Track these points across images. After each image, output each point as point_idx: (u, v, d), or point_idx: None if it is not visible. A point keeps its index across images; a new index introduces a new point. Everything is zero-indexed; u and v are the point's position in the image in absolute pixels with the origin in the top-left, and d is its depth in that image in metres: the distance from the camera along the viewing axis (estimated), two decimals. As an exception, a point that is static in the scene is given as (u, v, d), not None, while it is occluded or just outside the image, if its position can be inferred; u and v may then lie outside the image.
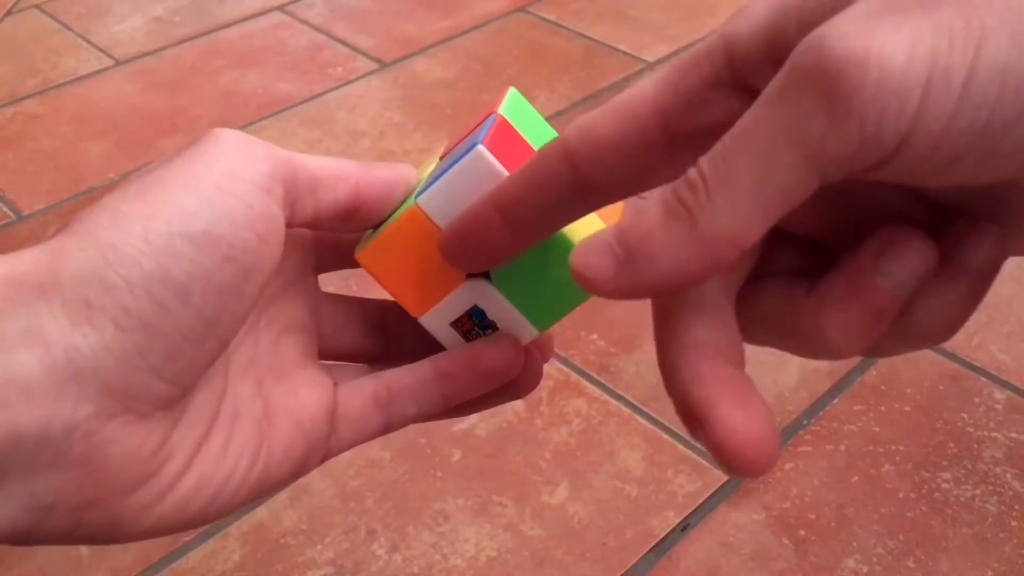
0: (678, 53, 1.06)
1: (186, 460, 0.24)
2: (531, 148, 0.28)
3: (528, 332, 0.28)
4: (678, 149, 0.20)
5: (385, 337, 0.31)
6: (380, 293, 0.31)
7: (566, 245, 0.26)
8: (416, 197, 0.27)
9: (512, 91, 0.30)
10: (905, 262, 0.19)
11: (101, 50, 1.11)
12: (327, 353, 0.30)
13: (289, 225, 0.25)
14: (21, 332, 0.21)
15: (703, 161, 0.18)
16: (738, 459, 0.19)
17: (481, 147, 0.25)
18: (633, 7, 1.15)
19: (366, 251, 0.28)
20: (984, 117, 0.16)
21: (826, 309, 0.19)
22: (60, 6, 1.20)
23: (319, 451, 0.28)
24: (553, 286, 0.27)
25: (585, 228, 0.27)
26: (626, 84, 1.01)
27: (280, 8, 1.18)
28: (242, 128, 0.98)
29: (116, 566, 0.59)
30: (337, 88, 1.03)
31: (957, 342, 0.71)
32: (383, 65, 1.07)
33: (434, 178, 0.27)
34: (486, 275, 0.27)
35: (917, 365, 0.69)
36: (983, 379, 0.68)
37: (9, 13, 1.19)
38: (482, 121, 0.28)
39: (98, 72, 1.08)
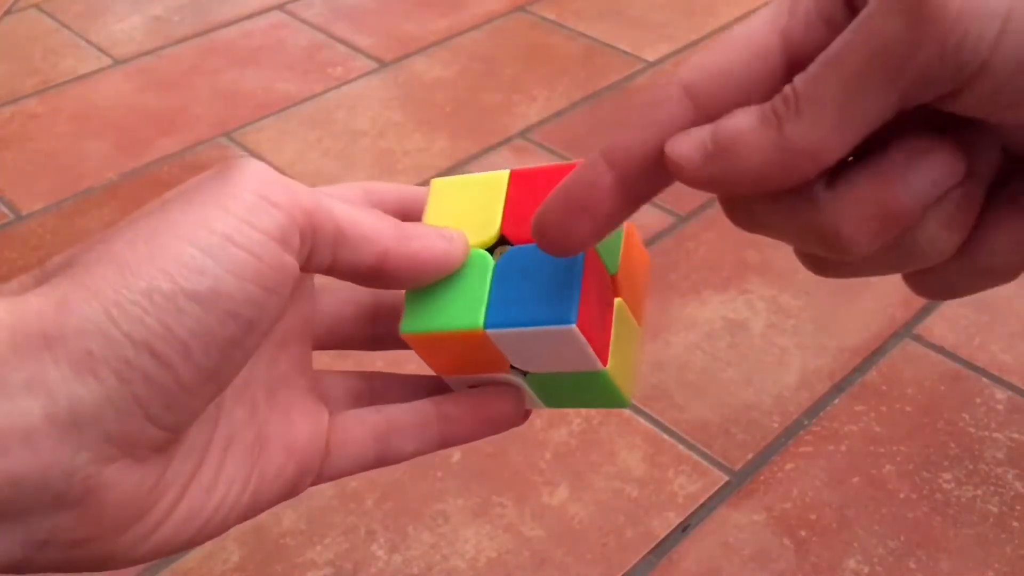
0: (679, 52, 1.06)
1: (179, 493, 0.24)
2: (608, 278, 0.27)
3: (538, 405, 0.29)
4: (796, 73, 0.20)
5: (375, 327, 0.31)
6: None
7: (610, 388, 0.27)
8: (485, 323, 0.26)
9: None
10: (929, 173, 0.19)
11: (100, 49, 1.11)
12: (318, 346, 0.30)
13: (303, 270, 0.25)
14: (25, 381, 0.21)
15: (798, 78, 0.19)
16: None
17: (574, 328, 0.24)
18: (633, 6, 1.15)
19: (416, 338, 0.27)
20: None
21: (845, 206, 0.20)
22: (59, 5, 1.20)
23: (310, 476, 0.28)
24: (578, 398, 0.28)
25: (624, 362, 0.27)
26: (626, 84, 1.01)
27: (279, 7, 1.18)
28: (241, 128, 0.97)
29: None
30: (337, 87, 1.03)
31: (958, 342, 0.71)
32: (383, 64, 1.06)
33: (508, 312, 0.25)
34: (523, 372, 0.28)
35: (918, 365, 0.69)
36: (984, 379, 0.68)
37: (8, 12, 1.19)
38: None
39: (97, 71, 1.07)
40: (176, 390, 0.22)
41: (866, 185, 0.19)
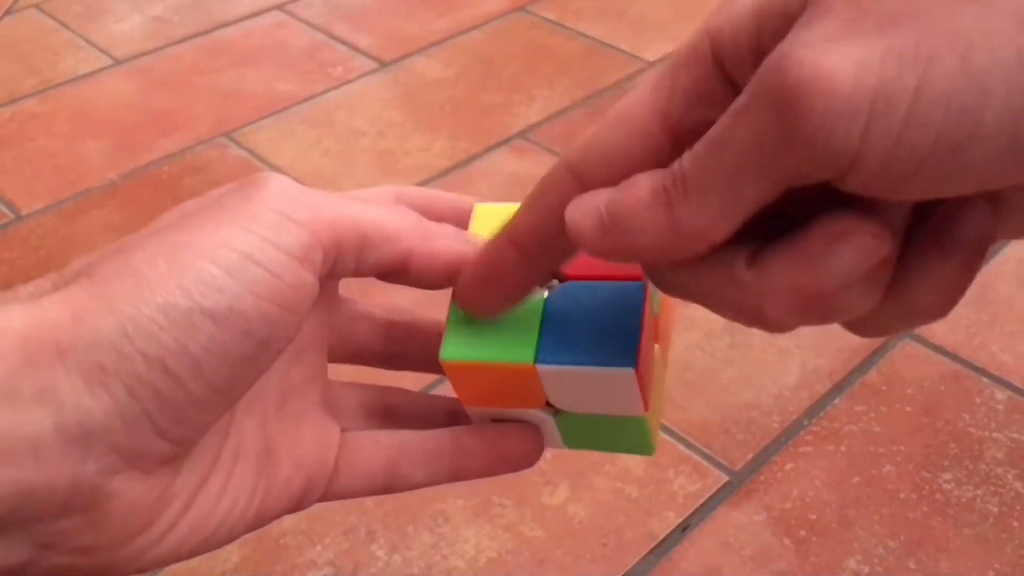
0: (678, 52, 1.06)
1: (185, 504, 0.24)
2: (654, 320, 0.27)
3: (558, 445, 0.29)
4: (684, 148, 0.20)
5: (387, 344, 0.30)
6: (385, 298, 0.31)
7: (643, 435, 0.27)
8: (536, 358, 0.25)
9: None
10: (851, 257, 0.19)
11: (100, 49, 1.11)
12: (330, 358, 0.30)
13: (329, 277, 0.25)
14: (37, 391, 0.21)
15: (686, 157, 0.19)
16: None
17: (632, 372, 0.24)
18: (633, 6, 1.15)
19: (456, 365, 0.26)
20: (930, 139, 0.16)
21: (766, 289, 0.20)
22: (59, 5, 1.20)
23: (316, 491, 0.27)
24: (605, 441, 0.27)
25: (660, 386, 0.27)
26: (627, 83, 1.01)
27: (279, 7, 1.18)
28: (241, 128, 0.97)
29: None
30: (337, 87, 1.03)
31: (958, 342, 0.71)
32: (383, 64, 1.06)
33: (561, 350, 0.25)
34: (555, 411, 0.27)
35: (918, 365, 0.69)
36: (984, 379, 0.68)
37: (8, 12, 1.19)
38: (627, 274, 0.26)
39: (97, 71, 1.07)
40: (186, 405, 0.22)
41: (788, 267, 0.19)
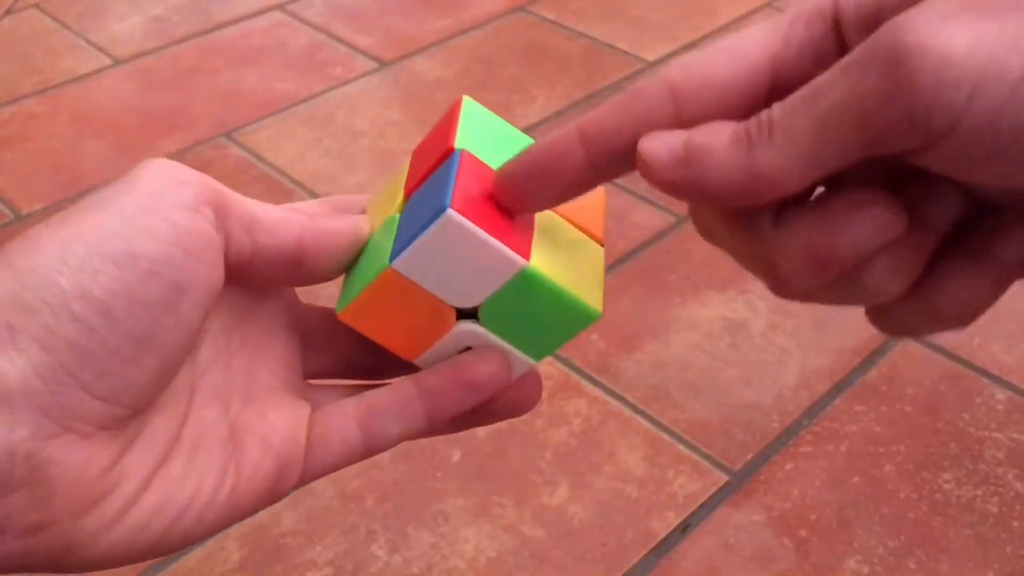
0: (679, 52, 1.06)
1: (143, 481, 0.24)
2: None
3: (523, 363, 0.28)
4: (776, 98, 0.21)
5: (375, 350, 0.30)
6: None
7: (554, 291, 0.26)
8: (391, 260, 0.26)
9: (466, 101, 0.28)
10: (865, 228, 0.20)
11: (100, 49, 1.11)
12: (314, 371, 0.30)
13: (229, 257, 0.25)
14: None
15: (776, 106, 0.20)
16: None
17: (450, 212, 0.24)
18: (633, 6, 1.15)
19: (348, 311, 0.27)
20: None
21: (784, 246, 0.21)
22: (59, 5, 1.20)
23: (292, 471, 0.27)
24: (543, 325, 0.27)
25: (567, 271, 0.27)
26: (627, 83, 1.01)
27: (279, 7, 1.18)
28: (241, 128, 0.97)
29: (114, 568, 0.59)
30: (337, 87, 1.03)
31: (958, 342, 0.71)
32: (383, 64, 1.06)
33: (405, 238, 0.25)
34: (475, 316, 0.27)
35: (918, 365, 0.69)
36: (984, 379, 0.68)
37: (8, 12, 1.19)
38: (444, 156, 0.27)
39: (97, 71, 1.07)
40: (104, 355, 0.22)
41: (806, 229, 0.20)
